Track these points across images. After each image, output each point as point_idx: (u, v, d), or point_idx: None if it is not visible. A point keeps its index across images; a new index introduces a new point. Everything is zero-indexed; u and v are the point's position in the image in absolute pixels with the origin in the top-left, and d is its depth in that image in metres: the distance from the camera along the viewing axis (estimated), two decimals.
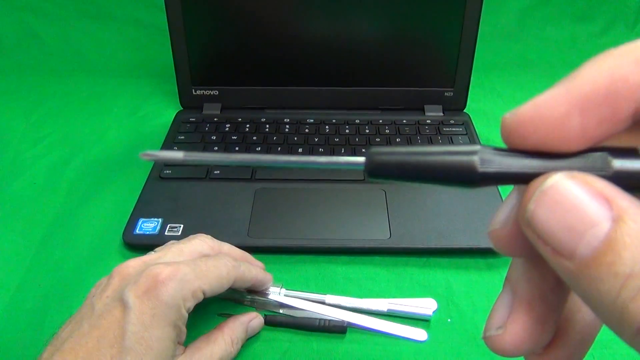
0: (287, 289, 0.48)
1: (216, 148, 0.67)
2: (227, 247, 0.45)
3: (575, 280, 0.16)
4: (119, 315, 0.34)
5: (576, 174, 0.17)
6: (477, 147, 0.18)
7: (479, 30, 0.69)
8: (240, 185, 0.60)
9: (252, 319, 0.44)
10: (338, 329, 0.45)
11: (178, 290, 0.36)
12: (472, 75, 0.73)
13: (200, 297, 0.38)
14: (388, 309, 0.47)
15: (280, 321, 0.46)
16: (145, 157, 0.22)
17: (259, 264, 0.47)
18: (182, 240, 0.43)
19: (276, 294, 0.47)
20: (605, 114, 0.17)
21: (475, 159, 0.18)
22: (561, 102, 0.17)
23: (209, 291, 0.38)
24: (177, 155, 0.21)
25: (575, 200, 0.16)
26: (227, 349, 0.41)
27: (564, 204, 0.16)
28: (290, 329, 0.46)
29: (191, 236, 0.44)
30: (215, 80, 0.75)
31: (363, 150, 0.67)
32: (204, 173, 0.61)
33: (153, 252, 0.41)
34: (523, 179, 0.18)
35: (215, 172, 0.62)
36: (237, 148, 0.67)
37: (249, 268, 0.43)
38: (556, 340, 0.21)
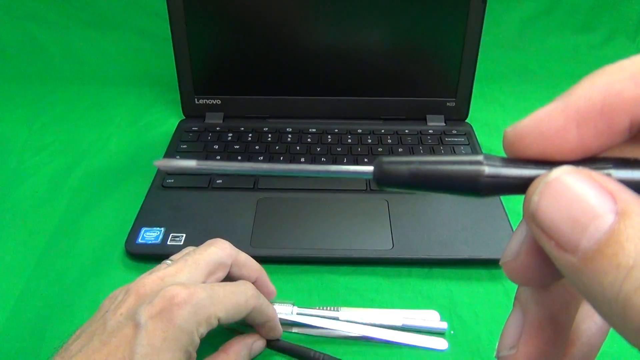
0: (299, 307, 0.47)
1: (219, 157, 0.67)
2: (243, 257, 0.44)
3: (578, 275, 0.16)
4: (130, 335, 0.33)
5: (580, 168, 0.17)
6: (480, 157, 0.19)
7: (481, 40, 0.70)
8: (243, 195, 0.60)
9: (255, 341, 0.44)
10: None
11: (192, 315, 0.35)
12: (474, 85, 0.73)
13: (215, 323, 0.37)
14: (403, 324, 0.46)
15: (281, 347, 0.45)
16: (159, 165, 0.22)
17: (273, 288, 0.46)
18: (199, 248, 0.42)
19: (288, 312, 0.47)
20: (601, 127, 0.18)
21: (480, 168, 0.19)
22: (558, 116, 0.18)
23: (224, 318, 0.37)
24: (190, 163, 0.22)
25: (579, 192, 0.16)
26: None
27: (568, 196, 0.16)
28: (290, 356, 0.45)
29: (209, 242, 0.43)
30: (218, 89, 0.75)
31: (365, 160, 0.67)
32: (207, 182, 0.61)
33: (169, 262, 0.40)
34: (526, 186, 0.18)
35: (218, 181, 0.62)
36: (239, 157, 0.67)
37: (267, 303, 0.42)
38: (564, 353, 0.21)
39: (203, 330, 0.36)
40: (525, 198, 0.18)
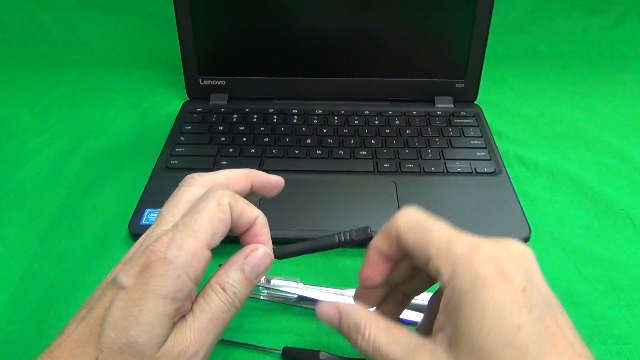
0: (304, 284, 0.47)
1: (223, 138, 0.66)
2: (222, 175, 0.40)
3: None
4: (111, 297, 0.32)
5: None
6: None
7: (491, 21, 0.68)
8: None
9: (248, 255, 0.36)
10: (363, 238, 0.39)
11: (175, 259, 0.32)
12: (483, 66, 0.71)
13: (207, 255, 0.33)
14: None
15: (292, 251, 0.39)
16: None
17: (274, 178, 0.42)
18: (174, 194, 0.38)
19: (294, 287, 0.46)
20: (387, 268, 0.37)
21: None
22: (376, 259, 0.37)
23: (214, 241, 0.33)
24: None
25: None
26: (219, 300, 0.34)
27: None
28: (306, 254, 0.40)
29: (202, 197, 0.35)
30: (223, 70, 0.74)
31: (373, 141, 0.66)
32: (212, 163, 0.61)
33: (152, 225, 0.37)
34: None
35: (222, 162, 0.61)
36: (244, 139, 0.66)
37: (244, 200, 0.36)
38: None
39: (195, 269, 0.32)
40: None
